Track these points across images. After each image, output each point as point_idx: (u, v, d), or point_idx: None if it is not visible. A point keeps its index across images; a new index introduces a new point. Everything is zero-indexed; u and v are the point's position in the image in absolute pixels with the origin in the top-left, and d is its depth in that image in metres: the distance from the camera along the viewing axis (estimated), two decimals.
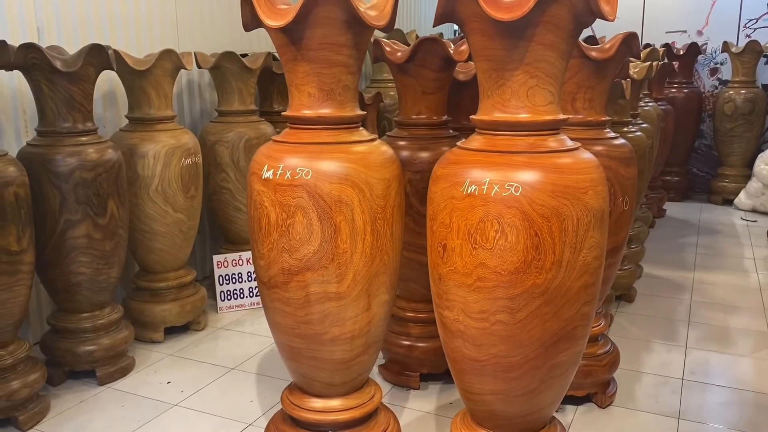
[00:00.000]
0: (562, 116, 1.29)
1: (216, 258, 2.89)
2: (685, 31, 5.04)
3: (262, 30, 1.44)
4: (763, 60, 4.81)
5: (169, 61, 2.42)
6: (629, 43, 1.83)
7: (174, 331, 2.62)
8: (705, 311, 2.85)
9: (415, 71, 1.97)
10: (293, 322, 1.47)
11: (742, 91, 4.74)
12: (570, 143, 1.30)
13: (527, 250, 1.21)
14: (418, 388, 2.16)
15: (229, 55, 2.74)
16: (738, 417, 2.00)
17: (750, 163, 4.81)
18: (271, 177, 1.41)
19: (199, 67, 2.75)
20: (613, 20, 1.19)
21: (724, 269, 3.46)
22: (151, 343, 2.55)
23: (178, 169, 2.46)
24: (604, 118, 1.94)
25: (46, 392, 2.12)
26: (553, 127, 1.29)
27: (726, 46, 4.70)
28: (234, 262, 2.91)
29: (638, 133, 2.78)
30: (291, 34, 1.37)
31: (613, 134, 1.96)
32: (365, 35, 1.42)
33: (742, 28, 4.90)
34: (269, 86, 3.19)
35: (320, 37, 1.37)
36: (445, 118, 2.06)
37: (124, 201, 2.21)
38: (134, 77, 2.38)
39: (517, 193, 1.20)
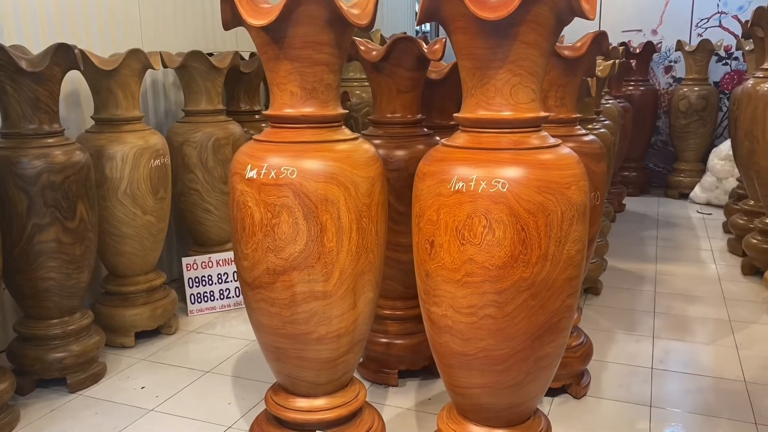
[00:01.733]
0: (543, 113, 1.32)
1: (185, 260, 2.85)
2: (640, 30, 5.17)
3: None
4: (714, 58, 4.97)
5: (137, 60, 2.37)
6: (599, 41, 1.88)
7: (145, 335, 2.57)
8: (668, 302, 2.94)
9: (390, 70, 1.98)
10: (279, 322, 1.47)
11: (696, 89, 4.89)
12: (552, 140, 1.33)
13: (514, 245, 1.24)
14: (397, 385, 2.17)
15: (196, 55, 2.71)
16: (706, 403, 2.07)
17: (704, 158, 4.97)
18: (255, 176, 1.40)
19: (165, 66, 2.71)
20: (593, 19, 1.22)
21: (684, 261, 3.57)
22: (121, 348, 2.50)
23: (146, 170, 2.42)
24: (575, 116, 1.98)
25: (15, 402, 2.06)
26: (536, 124, 1.31)
27: (680, 45, 4.85)
28: (203, 264, 2.88)
29: (603, 130, 2.85)
30: (273, 33, 1.36)
31: (583, 131, 2.00)
32: (347, 34, 1.43)
33: (694, 27, 5.06)
34: (236, 86, 3.16)
35: (303, 36, 1.36)
36: (419, 116, 2.08)
37: (93, 204, 2.16)
38: (100, 77, 2.33)
39: (504, 189, 1.23)
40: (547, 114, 1.33)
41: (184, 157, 2.80)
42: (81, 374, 2.19)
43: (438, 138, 2.14)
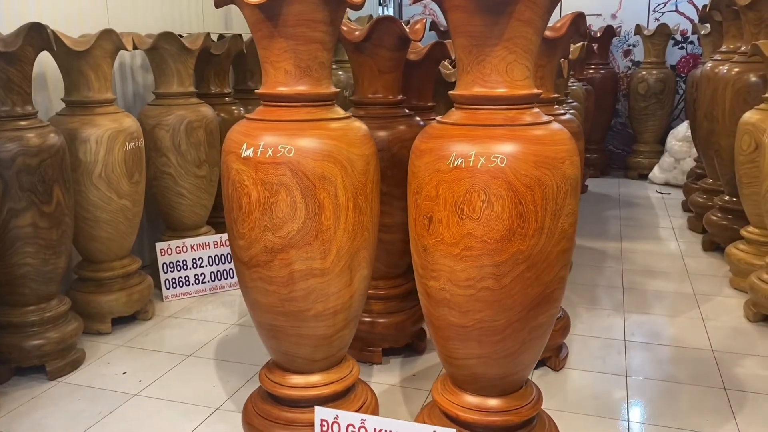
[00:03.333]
0: (536, 90, 1.35)
1: (159, 246, 2.81)
2: (600, 15, 5.28)
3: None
4: (671, 42, 5.11)
5: (109, 41, 2.32)
6: (577, 23, 1.92)
7: (121, 321, 2.54)
8: (636, 278, 3.05)
9: (372, 50, 1.99)
10: (276, 300, 1.47)
11: (654, 72, 5.03)
12: (544, 117, 1.36)
13: (512, 219, 1.27)
14: (381, 363, 2.20)
15: (167, 36, 2.66)
16: (679, 371, 2.16)
17: (662, 140, 5.13)
18: (251, 155, 1.40)
19: (135, 48, 2.65)
20: None
21: (647, 239, 3.69)
22: (98, 334, 2.46)
23: (121, 153, 2.37)
24: (554, 95, 2.03)
25: None
26: (530, 101, 1.35)
27: (638, 29, 4.97)
28: (178, 249, 2.84)
29: (572, 112, 2.91)
30: (268, 11, 1.36)
31: (562, 110, 2.05)
32: (340, 12, 1.43)
33: (651, 12, 5.19)
34: (206, 67, 3.12)
35: (297, 14, 1.36)
36: (400, 97, 2.10)
37: (69, 188, 2.12)
38: (72, 58, 2.28)
39: (503, 165, 1.26)
40: (539, 91, 1.36)
41: (156, 140, 2.75)
42: (60, 361, 2.15)
43: (418, 119, 2.16)
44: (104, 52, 2.33)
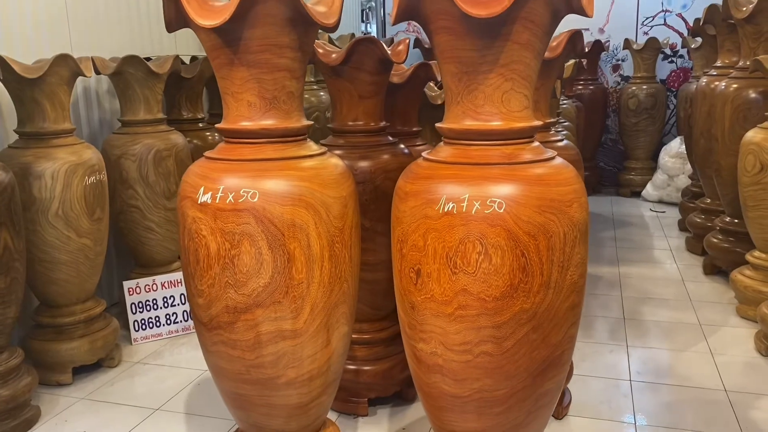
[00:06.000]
0: (536, 122, 1.18)
1: (126, 284, 2.61)
2: (587, 29, 5.15)
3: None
4: (660, 56, 4.99)
5: (65, 67, 2.13)
6: (574, 41, 1.77)
7: (84, 370, 2.33)
8: (637, 306, 2.87)
9: (351, 74, 1.81)
10: (242, 366, 1.28)
11: (644, 87, 4.90)
12: (548, 152, 1.19)
13: (514, 273, 1.09)
14: (367, 415, 2.01)
15: (132, 59, 2.47)
16: (691, 416, 1.98)
17: (654, 156, 4.99)
18: (209, 201, 1.21)
19: (98, 73, 2.46)
20: (591, 16, 1.09)
21: (645, 262, 3.53)
22: (57, 386, 2.24)
23: (80, 188, 2.17)
24: (549, 120, 1.86)
25: None
26: (529, 135, 1.17)
27: (627, 43, 4.85)
28: (147, 287, 2.64)
29: (565, 133, 2.76)
30: (226, 35, 1.18)
31: (559, 136, 1.89)
32: (311, 35, 1.25)
33: (640, 26, 5.07)
34: (176, 92, 2.94)
35: (261, 38, 1.18)
36: (383, 123, 1.92)
37: (19, 230, 1.91)
38: (24, 86, 2.08)
39: (501, 210, 1.08)
40: (540, 123, 1.19)
41: (122, 171, 2.56)
42: (12, 421, 1.94)
43: (402, 146, 1.99)
44: (60, 79, 2.14)
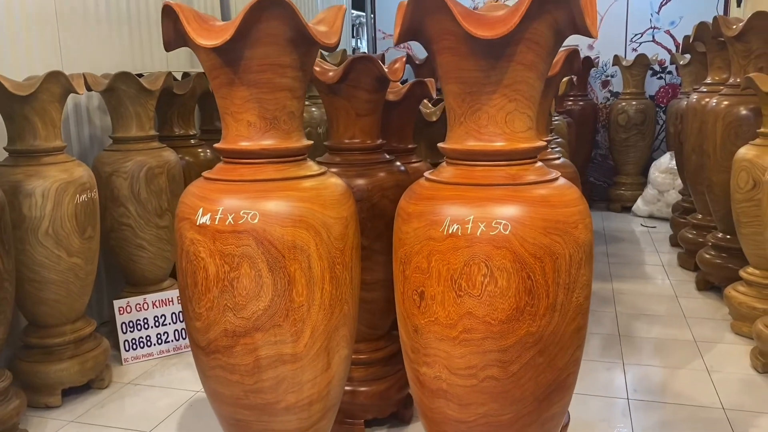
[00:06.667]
0: (540, 143, 1.17)
1: (117, 303, 2.57)
2: (577, 45, 5.18)
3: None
4: (649, 72, 5.03)
5: (57, 84, 2.10)
6: (571, 60, 1.77)
7: (73, 392, 2.28)
8: (632, 323, 2.87)
9: (348, 92, 1.80)
10: (240, 391, 1.25)
11: (634, 103, 4.93)
12: (551, 173, 1.18)
13: (520, 295, 1.08)
14: None
15: (124, 76, 2.45)
16: None
17: (644, 171, 5.01)
18: (208, 222, 1.19)
19: (89, 90, 2.44)
20: (596, 37, 1.08)
21: (638, 278, 3.53)
22: (46, 409, 2.20)
23: (71, 207, 2.14)
24: (547, 138, 1.86)
25: None
26: (533, 155, 1.16)
27: (617, 60, 4.88)
28: (138, 306, 2.60)
29: (559, 149, 2.76)
30: (227, 55, 1.16)
31: (555, 154, 1.88)
32: (312, 54, 1.24)
33: (629, 43, 5.11)
34: (169, 109, 2.91)
35: (262, 58, 1.17)
36: (380, 141, 1.91)
37: (9, 249, 1.88)
38: (15, 104, 2.05)
39: (506, 232, 1.06)
40: (543, 143, 1.18)
41: (113, 189, 2.53)
42: None
43: (399, 164, 1.98)
44: (52, 96, 2.12)
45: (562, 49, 1.78)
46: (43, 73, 2.10)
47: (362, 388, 1.95)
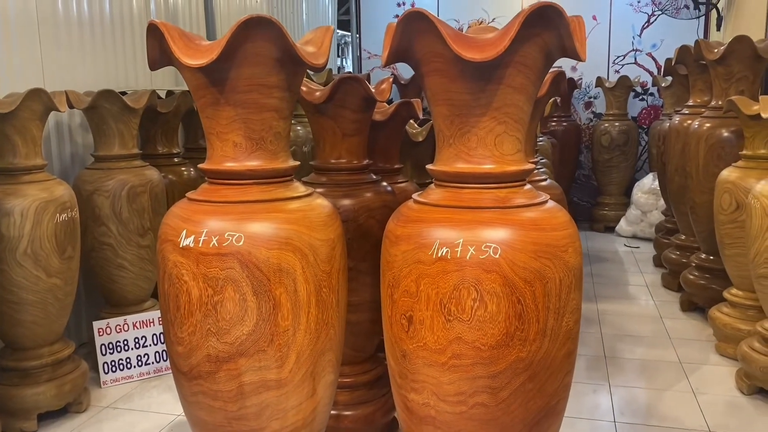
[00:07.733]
0: (529, 165, 1.16)
1: (96, 324, 2.51)
2: (560, 67, 5.23)
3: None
4: (631, 94, 5.09)
5: (39, 101, 2.07)
6: (558, 81, 1.77)
7: (49, 416, 2.22)
8: (617, 344, 2.86)
9: (335, 112, 1.79)
10: (223, 418, 1.22)
11: (616, 124, 4.98)
12: (540, 195, 1.17)
13: (510, 320, 1.06)
14: None
15: (107, 94, 2.42)
16: None
17: (627, 191, 5.05)
18: (191, 245, 1.16)
19: (71, 107, 2.41)
20: (584, 60, 1.08)
21: (623, 298, 3.53)
22: None
23: (51, 226, 2.10)
24: (533, 160, 1.86)
25: None
26: (522, 178, 1.16)
27: (600, 81, 4.94)
28: (118, 327, 2.55)
29: (543, 169, 2.77)
30: (213, 75, 1.15)
31: (543, 176, 1.88)
32: (299, 75, 1.23)
33: (611, 64, 5.18)
34: (152, 127, 2.88)
35: (248, 78, 1.15)
36: (366, 161, 1.90)
37: None
38: None
39: (497, 255, 1.05)
40: (532, 166, 1.17)
41: (94, 208, 2.49)
42: None
43: (385, 184, 1.97)
44: (33, 114, 2.08)
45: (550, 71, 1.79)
46: (24, 90, 2.07)
47: (347, 413, 1.92)
